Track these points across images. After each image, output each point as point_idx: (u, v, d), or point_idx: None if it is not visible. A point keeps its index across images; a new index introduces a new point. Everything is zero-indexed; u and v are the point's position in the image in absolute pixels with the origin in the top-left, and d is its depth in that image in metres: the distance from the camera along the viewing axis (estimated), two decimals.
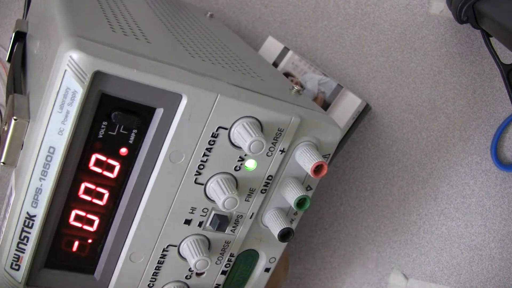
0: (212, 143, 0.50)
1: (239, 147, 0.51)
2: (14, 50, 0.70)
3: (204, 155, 0.51)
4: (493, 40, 0.82)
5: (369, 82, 0.90)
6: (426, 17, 0.88)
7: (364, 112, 0.85)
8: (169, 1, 0.85)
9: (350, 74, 0.90)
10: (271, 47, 0.90)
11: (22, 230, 0.50)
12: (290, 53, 0.88)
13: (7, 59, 0.73)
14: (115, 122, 0.48)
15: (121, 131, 0.49)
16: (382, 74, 0.89)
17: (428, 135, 0.89)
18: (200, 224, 0.55)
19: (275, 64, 0.89)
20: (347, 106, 0.84)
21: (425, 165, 0.89)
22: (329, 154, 0.57)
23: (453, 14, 0.83)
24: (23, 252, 0.51)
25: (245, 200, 0.55)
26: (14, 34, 0.72)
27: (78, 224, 0.52)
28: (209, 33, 0.73)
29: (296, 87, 0.61)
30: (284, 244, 0.61)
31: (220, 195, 0.51)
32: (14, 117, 0.49)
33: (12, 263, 0.51)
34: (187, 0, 0.93)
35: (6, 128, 0.50)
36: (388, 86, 0.89)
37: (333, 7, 0.90)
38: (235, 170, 0.53)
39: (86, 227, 0.53)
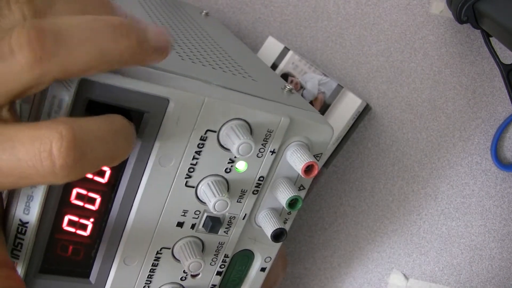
0: (201, 146, 0.50)
1: (228, 150, 0.52)
2: None
3: (194, 158, 0.51)
4: (493, 40, 0.82)
5: (369, 82, 0.90)
6: (426, 17, 0.88)
7: (364, 112, 0.85)
8: (164, 0, 0.85)
9: (350, 74, 0.90)
10: (271, 47, 0.90)
11: (16, 237, 0.50)
12: (290, 53, 0.88)
13: None
14: None
15: None
16: (382, 74, 0.89)
17: (428, 135, 0.89)
18: (192, 226, 0.55)
19: (275, 64, 0.89)
20: (347, 106, 0.84)
21: (425, 165, 0.89)
22: (321, 154, 0.57)
23: (453, 14, 0.82)
24: (17, 258, 0.51)
25: (237, 202, 0.55)
26: None
27: (72, 229, 0.53)
28: (203, 33, 0.73)
29: (289, 86, 0.61)
30: (279, 244, 0.61)
31: (210, 197, 0.51)
32: None
33: None
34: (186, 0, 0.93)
35: None
36: (388, 86, 0.89)
37: (333, 7, 0.90)
38: (226, 172, 0.53)
39: (79, 232, 0.53)
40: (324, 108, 0.85)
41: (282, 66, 0.88)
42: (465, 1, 0.79)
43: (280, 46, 0.89)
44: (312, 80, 0.86)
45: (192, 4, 0.92)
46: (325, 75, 0.86)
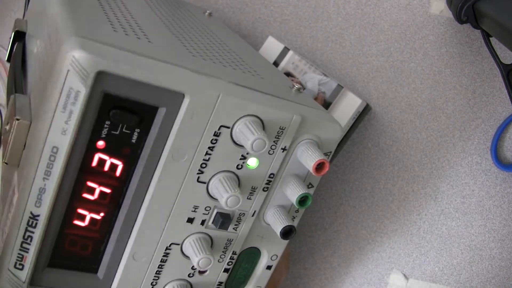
0: (215, 141, 0.50)
1: (241, 146, 0.52)
2: (14, 50, 0.70)
3: (207, 153, 0.51)
4: (493, 40, 0.82)
5: (369, 82, 0.90)
6: (426, 17, 0.88)
7: (364, 112, 0.86)
8: (168, 0, 0.85)
9: (350, 74, 0.90)
10: (272, 47, 0.90)
11: (26, 230, 0.50)
12: (290, 53, 0.88)
13: (6, 59, 0.73)
14: (113, 120, 0.48)
15: (124, 130, 0.49)
16: (382, 74, 0.89)
17: (428, 135, 0.89)
18: (202, 223, 0.55)
19: (276, 64, 0.89)
20: (347, 106, 0.84)
21: (425, 165, 0.90)
22: (330, 152, 0.57)
23: (453, 14, 0.83)
24: (27, 252, 0.51)
25: (247, 198, 0.55)
26: (13, 34, 0.72)
27: (82, 224, 0.53)
28: (209, 32, 0.73)
29: (297, 85, 0.61)
30: (285, 242, 0.61)
31: (222, 193, 0.51)
32: (17, 117, 0.49)
33: (16, 263, 0.51)
34: (187, 0, 0.93)
35: (8, 128, 0.50)
36: (388, 86, 0.89)
37: (333, 7, 0.91)
38: (237, 168, 0.53)
39: (89, 226, 0.53)
40: (324, 108, 0.85)
41: (282, 66, 0.88)
42: (465, 1, 0.79)
43: (280, 46, 0.89)
44: (312, 80, 0.86)
45: (194, 4, 0.92)
46: (325, 75, 0.86)
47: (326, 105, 0.85)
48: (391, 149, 0.90)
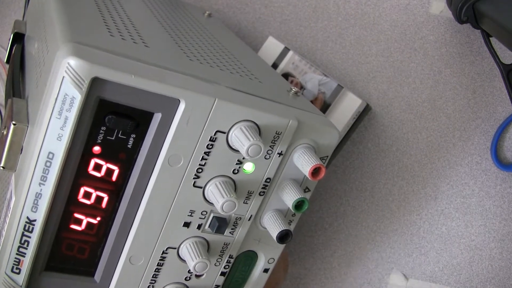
0: (210, 147, 0.50)
1: (237, 151, 0.52)
2: (13, 52, 0.70)
3: (203, 158, 0.51)
4: (493, 40, 0.82)
5: (369, 82, 0.90)
6: (426, 17, 0.88)
7: (364, 112, 0.85)
8: (167, 1, 0.85)
9: (350, 74, 0.90)
10: (272, 47, 0.90)
11: (23, 235, 0.50)
12: (290, 53, 0.88)
13: (5, 60, 0.73)
14: (109, 126, 0.48)
15: (119, 136, 0.49)
16: (382, 74, 0.89)
17: (428, 135, 0.89)
18: (199, 227, 0.55)
19: (276, 64, 0.89)
20: (347, 107, 0.84)
21: (425, 165, 0.90)
22: (327, 156, 0.57)
23: (453, 14, 0.83)
24: (24, 256, 0.51)
25: (244, 203, 0.55)
26: (12, 35, 0.72)
27: (78, 228, 0.53)
28: (207, 34, 0.73)
29: (294, 89, 0.61)
30: (282, 245, 0.61)
31: (218, 198, 0.51)
32: (13, 122, 0.49)
33: (12, 267, 0.51)
34: (187, 0, 0.93)
35: (5, 133, 0.50)
36: (388, 86, 0.89)
37: (333, 7, 0.90)
38: (234, 173, 0.53)
39: (86, 231, 0.53)
40: (324, 108, 0.85)
41: (282, 66, 0.88)
42: (465, 1, 0.79)
43: (280, 46, 0.89)
44: (312, 80, 0.86)
45: (194, 5, 0.92)
46: (325, 75, 0.86)
47: (326, 105, 0.85)
48: (391, 149, 0.90)
